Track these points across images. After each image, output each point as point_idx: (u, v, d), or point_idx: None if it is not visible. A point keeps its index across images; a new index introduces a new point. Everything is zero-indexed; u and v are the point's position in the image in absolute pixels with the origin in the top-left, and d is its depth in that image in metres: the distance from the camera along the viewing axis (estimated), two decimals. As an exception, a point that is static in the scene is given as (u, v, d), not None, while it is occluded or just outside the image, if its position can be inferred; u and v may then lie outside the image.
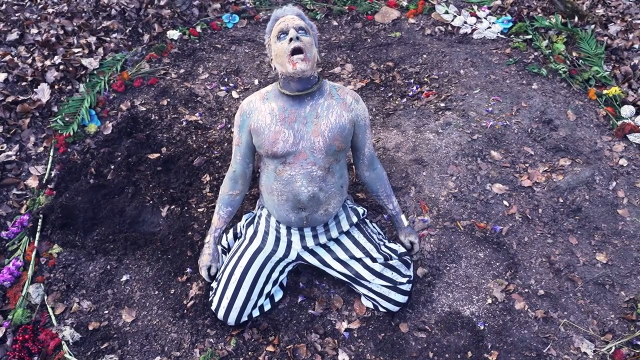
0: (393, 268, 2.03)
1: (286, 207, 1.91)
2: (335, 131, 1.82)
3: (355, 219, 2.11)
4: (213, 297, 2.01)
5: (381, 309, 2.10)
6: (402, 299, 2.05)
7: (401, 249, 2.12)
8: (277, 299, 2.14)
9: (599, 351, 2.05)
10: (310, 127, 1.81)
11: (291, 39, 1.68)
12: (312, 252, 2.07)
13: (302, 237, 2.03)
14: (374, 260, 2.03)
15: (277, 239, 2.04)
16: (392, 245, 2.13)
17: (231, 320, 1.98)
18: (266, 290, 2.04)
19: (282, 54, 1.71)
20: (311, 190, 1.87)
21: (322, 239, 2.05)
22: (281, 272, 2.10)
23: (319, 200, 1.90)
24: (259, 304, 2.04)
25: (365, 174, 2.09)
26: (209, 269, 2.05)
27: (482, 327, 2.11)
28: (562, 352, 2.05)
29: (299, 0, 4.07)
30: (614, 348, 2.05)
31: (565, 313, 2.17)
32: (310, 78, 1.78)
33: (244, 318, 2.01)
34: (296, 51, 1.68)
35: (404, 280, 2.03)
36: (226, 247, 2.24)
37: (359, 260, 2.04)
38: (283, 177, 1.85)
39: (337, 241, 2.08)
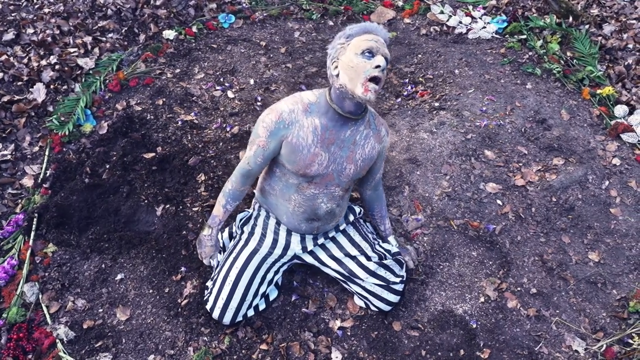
0: (387, 267, 2.04)
1: (301, 217, 1.94)
2: (366, 162, 1.86)
3: (351, 217, 2.14)
4: (208, 296, 2.02)
5: (373, 308, 2.11)
6: (394, 298, 2.06)
7: (394, 249, 2.14)
8: (272, 298, 2.15)
9: (590, 349, 2.06)
10: (345, 152, 1.79)
11: (378, 66, 1.59)
12: (309, 252, 2.09)
13: (303, 239, 2.05)
14: (368, 258, 2.04)
15: (275, 241, 2.05)
16: (385, 245, 2.15)
17: (226, 320, 1.99)
18: (261, 291, 2.05)
19: (359, 72, 1.60)
20: (330, 207, 1.92)
21: (320, 240, 2.07)
22: (276, 272, 2.11)
23: (334, 214, 1.96)
24: (254, 304, 2.05)
25: (368, 192, 2.17)
26: (211, 257, 2.07)
27: (474, 326, 2.12)
28: (553, 350, 2.06)
29: (295, 0, 4.08)
30: (605, 346, 2.06)
31: (557, 311, 2.19)
32: (364, 104, 1.74)
33: (239, 318, 2.02)
34: (375, 80, 1.61)
35: (397, 280, 2.05)
36: (221, 246, 2.25)
37: (353, 258, 2.05)
38: (305, 193, 1.86)
39: (332, 239, 2.10)
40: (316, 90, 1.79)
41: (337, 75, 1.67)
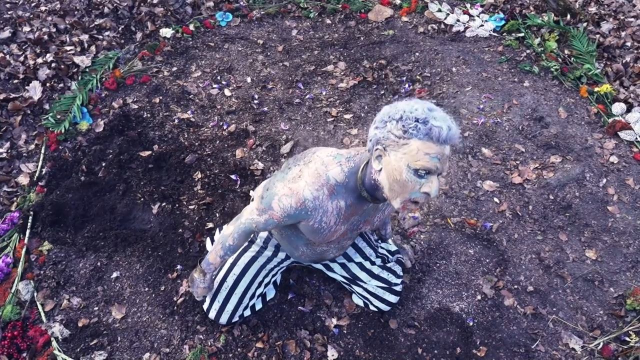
0: (389, 270, 2.04)
1: (307, 260, 1.90)
2: (381, 219, 1.74)
3: None
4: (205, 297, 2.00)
5: (372, 308, 2.11)
6: (394, 299, 2.06)
7: (394, 247, 2.13)
8: (269, 297, 2.14)
9: (587, 347, 2.06)
10: (364, 217, 1.68)
11: (427, 194, 1.34)
12: None
13: None
14: (372, 263, 2.04)
15: (277, 250, 1.98)
16: (385, 245, 2.14)
17: (222, 321, 1.98)
18: (258, 292, 2.03)
19: (404, 190, 1.35)
20: (338, 254, 1.88)
21: None
22: (274, 275, 2.09)
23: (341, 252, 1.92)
24: (250, 304, 2.03)
25: None
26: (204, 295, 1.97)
27: (471, 323, 2.11)
28: (550, 348, 2.05)
29: (293, -2, 4.07)
30: (602, 344, 2.05)
31: (554, 309, 2.18)
32: None
33: (236, 318, 2.00)
34: (417, 203, 1.40)
35: (399, 281, 2.05)
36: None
37: (358, 263, 2.04)
38: (316, 249, 1.78)
39: None
40: (346, 165, 1.49)
41: (379, 170, 1.39)
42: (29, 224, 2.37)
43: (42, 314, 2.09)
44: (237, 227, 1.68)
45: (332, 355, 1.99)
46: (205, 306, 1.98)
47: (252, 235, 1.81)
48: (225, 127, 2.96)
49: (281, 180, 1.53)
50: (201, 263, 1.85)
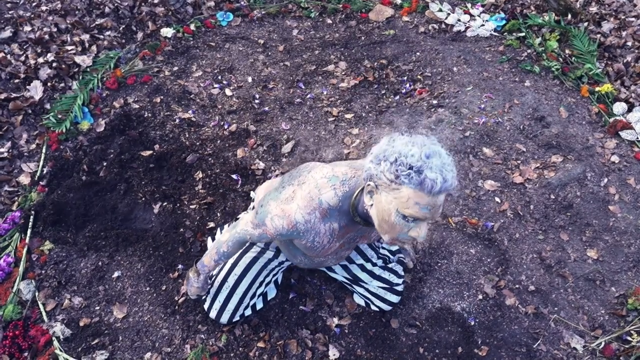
0: (391, 270, 2.04)
1: (306, 267, 1.90)
2: (378, 233, 1.68)
3: None
4: (205, 296, 2.00)
5: (374, 308, 2.11)
6: (395, 299, 2.06)
7: (395, 247, 2.13)
8: (270, 297, 2.14)
9: (589, 346, 2.06)
10: (361, 233, 1.68)
11: (415, 239, 1.35)
12: None
13: None
14: (374, 264, 2.03)
15: (278, 250, 1.98)
16: (386, 245, 2.14)
17: (223, 320, 1.98)
18: (259, 292, 2.03)
19: (393, 230, 1.33)
20: (336, 263, 1.87)
21: None
22: (275, 274, 2.09)
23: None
24: (251, 303, 2.03)
25: None
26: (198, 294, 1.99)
27: (472, 323, 2.11)
28: (552, 348, 2.05)
29: (294, -2, 4.07)
30: (603, 343, 2.05)
31: (556, 309, 2.18)
32: None
33: (237, 318, 2.00)
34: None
35: (400, 281, 2.05)
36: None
37: (359, 265, 2.04)
38: (314, 259, 1.77)
39: None
40: (340, 190, 1.45)
41: (371, 205, 1.36)
42: (30, 223, 2.37)
43: (44, 314, 2.09)
44: (232, 235, 1.69)
45: (334, 355, 1.99)
46: (206, 306, 1.98)
47: (247, 244, 1.81)
48: (226, 126, 2.95)
49: (275, 199, 1.51)
50: (197, 263, 1.87)
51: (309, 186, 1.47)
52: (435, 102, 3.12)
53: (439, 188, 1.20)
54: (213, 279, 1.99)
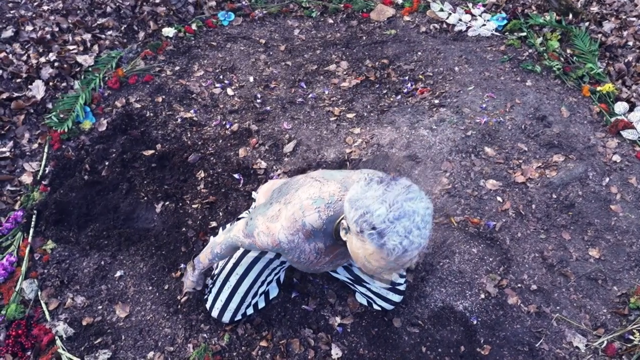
0: None
1: (305, 271, 1.88)
2: None
3: None
4: (207, 295, 2.00)
5: (376, 307, 2.11)
6: (397, 298, 2.06)
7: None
8: (272, 296, 2.14)
9: (591, 345, 2.06)
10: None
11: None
12: None
13: None
14: None
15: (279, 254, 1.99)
16: None
17: (225, 319, 1.98)
18: (261, 290, 2.03)
19: (367, 270, 1.30)
20: (333, 268, 1.84)
21: None
22: (277, 273, 2.09)
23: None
24: (253, 302, 2.03)
25: None
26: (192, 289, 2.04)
27: (475, 322, 2.11)
28: (554, 347, 2.06)
29: (295, -2, 4.07)
30: (606, 342, 2.06)
31: (558, 308, 2.18)
32: None
33: (238, 317, 2.00)
34: None
35: (402, 280, 2.05)
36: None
37: None
38: (309, 267, 1.74)
39: None
40: (324, 213, 1.43)
41: (345, 240, 1.37)
42: (32, 222, 2.37)
43: (46, 313, 2.09)
44: (226, 239, 1.73)
45: (336, 354, 1.99)
46: (208, 305, 1.99)
47: (239, 248, 1.83)
48: (228, 126, 2.96)
49: (262, 215, 1.54)
50: (194, 258, 1.96)
51: (293, 207, 1.46)
52: (436, 101, 3.12)
53: (396, 256, 1.16)
54: (215, 278, 2.00)
